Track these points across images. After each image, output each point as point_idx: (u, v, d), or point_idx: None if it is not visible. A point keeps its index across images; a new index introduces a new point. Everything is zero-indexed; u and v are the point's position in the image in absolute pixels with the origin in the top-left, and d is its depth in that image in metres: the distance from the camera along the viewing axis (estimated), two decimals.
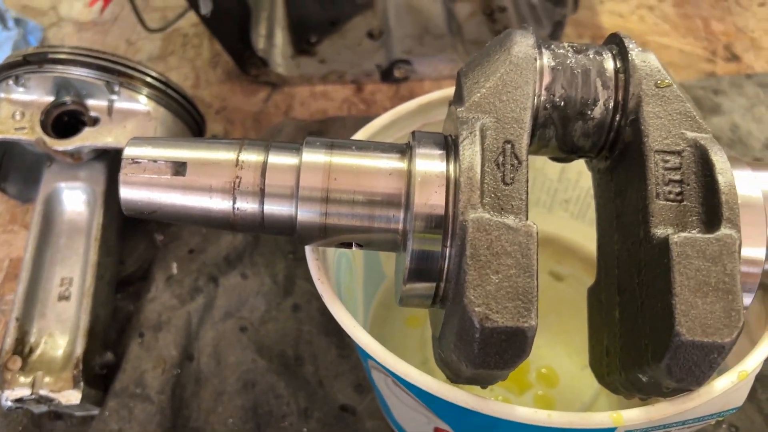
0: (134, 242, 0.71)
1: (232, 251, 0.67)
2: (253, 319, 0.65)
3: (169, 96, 0.65)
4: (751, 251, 0.42)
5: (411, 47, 0.89)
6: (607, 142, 0.45)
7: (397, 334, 0.65)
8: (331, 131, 0.80)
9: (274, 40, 0.89)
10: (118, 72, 0.61)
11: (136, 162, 0.44)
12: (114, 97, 0.62)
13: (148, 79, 0.63)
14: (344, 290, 0.56)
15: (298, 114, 0.84)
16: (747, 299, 0.44)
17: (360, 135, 0.55)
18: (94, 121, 0.62)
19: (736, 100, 0.84)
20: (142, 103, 0.63)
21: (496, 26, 0.94)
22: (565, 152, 0.47)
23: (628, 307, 0.43)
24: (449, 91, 0.57)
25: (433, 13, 0.94)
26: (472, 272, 0.37)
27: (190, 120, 0.68)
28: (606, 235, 0.48)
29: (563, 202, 0.69)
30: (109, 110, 0.62)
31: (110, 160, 0.65)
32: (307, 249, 0.50)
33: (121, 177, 0.44)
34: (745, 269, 0.42)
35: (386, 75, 0.88)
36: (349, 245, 0.46)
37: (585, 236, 0.68)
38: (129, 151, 0.44)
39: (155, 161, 0.44)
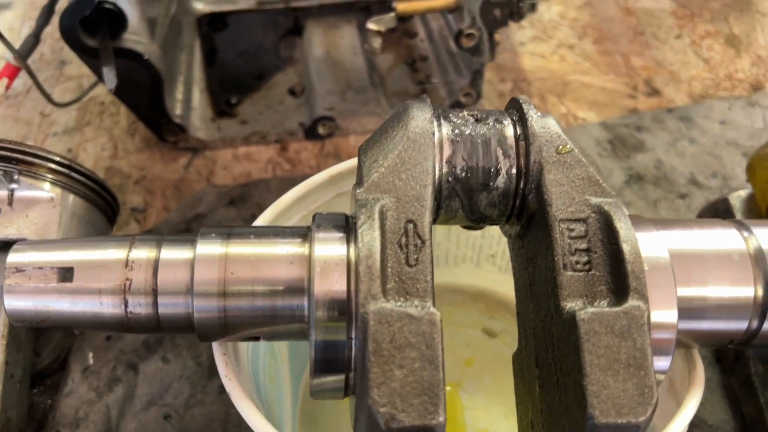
0: (50, 330, 0.68)
1: (151, 335, 0.64)
2: (177, 405, 0.62)
3: (75, 180, 0.62)
4: (662, 314, 0.41)
5: (333, 103, 0.88)
6: (514, 209, 0.44)
7: (331, 410, 0.63)
8: (255, 195, 0.78)
9: (191, 104, 0.87)
10: (16, 160, 0.59)
11: (20, 270, 0.41)
12: (14, 186, 0.59)
13: (51, 165, 0.60)
14: (266, 375, 0.54)
15: (220, 179, 0.82)
16: (665, 362, 0.43)
17: (269, 212, 0.53)
18: None
19: (659, 135, 0.85)
20: (45, 189, 0.60)
21: (418, 76, 0.94)
22: (474, 221, 0.46)
23: (547, 382, 0.42)
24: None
25: (355, 66, 0.93)
26: (375, 369, 0.36)
27: (100, 201, 0.65)
28: (523, 303, 0.47)
29: (489, 257, 0.68)
30: (10, 200, 0.59)
31: None
32: (214, 343, 0.47)
33: (5, 287, 0.41)
34: (658, 335, 0.41)
35: (310, 133, 0.87)
36: (255, 338, 0.44)
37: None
38: (12, 259, 0.42)
39: (40, 268, 0.41)
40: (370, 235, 0.39)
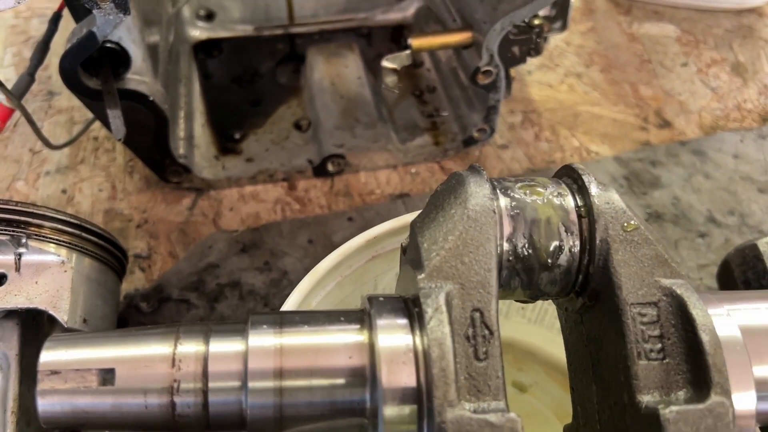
0: None
1: None
2: None
3: (85, 239, 0.58)
4: (741, 402, 0.40)
5: (343, 140, 0.85)
6: (576, 285, 0.42)
7: None
8: (267, 241, 0.75)
9: (194, 141, 0.83)
10: (23, 223, 0.55)
11: (56, 372, 0.38)
12: (22, 250, 0.55)
13: (60, 226, 0.56)
14: None
15: (227, 221, 0.78)
16: None
17: (307, 282, 0.50)
18: (0, 279, 0.55)
19: (674, 170, 0.84)
20: (53, 253, 0.56)
21: (427, 108, 0.91)
22: (532, 297, 0.44)
23: None
24: (396, 223, 0.53)
25: (362, 98, 0.90)
26: None
27: (111, 260, 0.61)
28: (581, 381, 0.45)
29: (519, 308, 0.66)
30: (17, 265, 0.55)
31: (22, 318, 0.57)
32: None
33: (39, 390, 0.38)
34: (739, 425, 0.39)
35: (319, 170, 0.84)
36: None
37: (544, 339, 0.66)
38: (45, 358, 0.38)
39: (77, 369, 0.38)
40: (440, 332, 0.36)
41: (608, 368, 0.41)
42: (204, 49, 0.98)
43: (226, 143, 0.87)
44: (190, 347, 0.39)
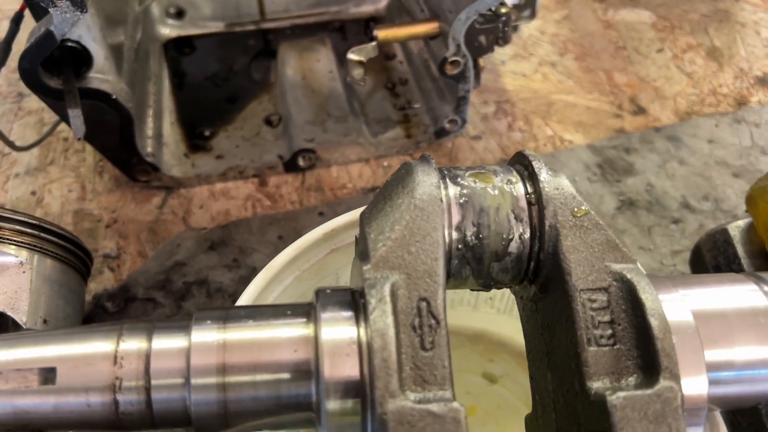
0: None
1: None
2: None
3: (45, 240, 0.57)
4: (692, 386, 0.39)
5: (314, 134, 0.84)
6: (528, 273, 0.42)
7: None
8: (236, 237, 0.74)
9: (163, 140, 0.83)
10: None
11: None
12: None
13: (20, 227, 0.56)
14: None
15: (197, 219, 0.78)
16: None
17: (261, 277, 0.49)
18: None
19: (648, 157, 0.84)
20: (13, 254, 0.55)
21: (400, 101, 0.91)
22: (485, 286, 0.43)
23: None
24: (354, 215, 0.52)
25: (334, 93, 0.89)
26: None
27: (73, 260, 0.61)
28: (538, 370, 0.45)
29: (488, 299, 0.65)
30: None
31: None
32: None
33: None
34: (689, 409, 0.39)
35: (290, 165, 0.83)
36: (259, 430, 0.41)
37: (514, 330, 0.65)
38: None
39: (18, 370, 0.37)
40: (383, 322, 0.36)
41: (561, 356, 0.41)
42: (176, 47, 0.98)
43: (195, 141, 0.86)
44: (132, 344, 0.38)
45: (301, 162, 0.82)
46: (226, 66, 0.99)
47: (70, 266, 0.61)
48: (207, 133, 0.87)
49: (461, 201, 0.40)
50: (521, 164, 0.43)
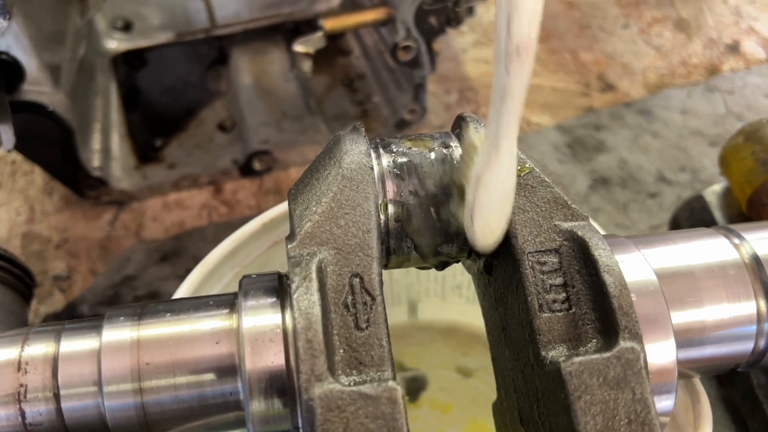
0: None
1: None
2: None
3: None
4: (659, 350, 0.35)
5: (268, 135, 0.81)
6: None
7: None
8: (189, 247, 0.70)
9: (111, 153, 0.79)
10: None
11: None
12: None
13: None
14: None
15: (151, 232, 0.74)
16: (667, 402, 0.37)
17: (194, 276, 0.46)
18: None
19: (619, 132, 0.80)
20: None
21: (358, 96, 0.87)
22: (432, 262, 0.40)
23: None
24: None
25: (288, 93, 0.86)
26: None
27: (9, 279, 0.57)
28: (497, 348, 0.41)
29: (455, 288, 0.62)
30: None
31: None
32: None
33: None
34: (657, 374, 0.35)
35: (246, 170, 0.79)
36: None
37: None
38: None
39: None
40: (307, 300, 0.32)
41: (515, 328, 0.37)
42: (126, 61, 0.95)
43: (147, 152, 0.83)
44: (38, 348, 0.35)
45: (257, 165, 0.79)
46: (181, 78, 0.96)
47: (7, 285, 0.57)
48: (158, 143, 0.84)
49: (395, 170, 0.37)
50: (460, 128, 0.40)
